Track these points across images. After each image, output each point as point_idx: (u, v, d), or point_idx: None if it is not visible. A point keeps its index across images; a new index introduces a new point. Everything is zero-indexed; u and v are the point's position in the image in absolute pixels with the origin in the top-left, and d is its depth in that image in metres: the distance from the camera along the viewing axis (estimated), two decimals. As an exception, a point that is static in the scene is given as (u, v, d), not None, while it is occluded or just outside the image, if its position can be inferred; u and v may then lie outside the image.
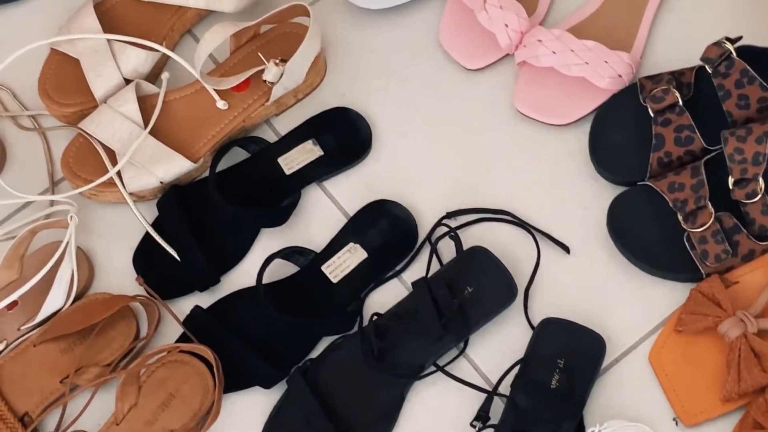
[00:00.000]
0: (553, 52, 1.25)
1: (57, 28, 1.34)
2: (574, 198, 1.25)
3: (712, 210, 1.17)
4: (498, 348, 1.19)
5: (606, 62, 1.25)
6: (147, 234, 1.25)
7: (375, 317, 1.19)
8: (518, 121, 1.28)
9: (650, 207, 1.20)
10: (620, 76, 1.25)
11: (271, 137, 1.30)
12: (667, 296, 1.20)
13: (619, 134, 1.24)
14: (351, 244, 1.24)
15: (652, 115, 1.22)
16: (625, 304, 1.20)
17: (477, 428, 1.14)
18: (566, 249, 1.23)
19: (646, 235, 1.19)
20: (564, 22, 1.30)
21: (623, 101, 1.25)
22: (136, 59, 1.29)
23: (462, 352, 1.19)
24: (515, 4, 1.28)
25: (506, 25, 1.28)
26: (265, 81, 1.26)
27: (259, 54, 1.28)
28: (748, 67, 1.20)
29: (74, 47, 1.30)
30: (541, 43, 1.26)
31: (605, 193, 1.24)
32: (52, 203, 1.28)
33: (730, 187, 1.17)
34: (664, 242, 1.19)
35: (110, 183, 1.25)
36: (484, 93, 1.30)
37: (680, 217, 1.18)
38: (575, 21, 1.30)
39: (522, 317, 1.20)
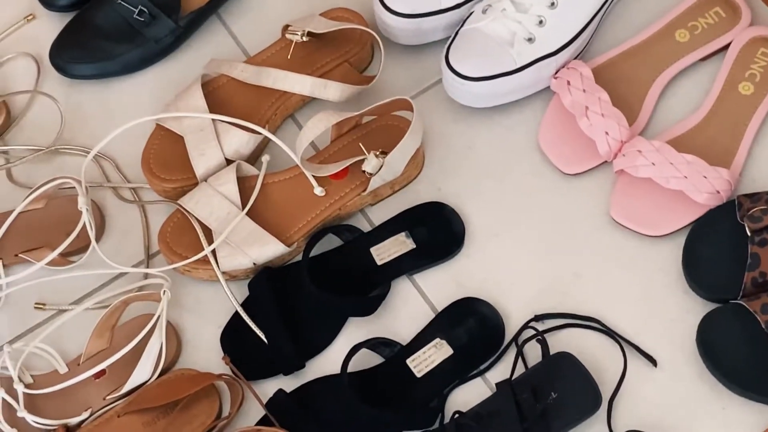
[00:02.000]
0: (652, 164, 1.25)
1: (164, 104, 1.37)
2: (665, 311, 1.24)
3: (805, 335, 1.16)
4: (578, 457, 1.19)
5: (705, 177, 1.25)
6: (236, 313, 1.27)
7: (456, 415, 1.19)
8: (613, 230, 1.28)
9: (742, 327, 1.19)
10: (718, 192, 1.25)
11: (365, 227, 1.31)
12: (754, 418, 1.18)
13: (714, 250, 1.23)
14: (437, 340, 1.24)
15: (748, 234, 1.22)
16: (710, 422, 1.19)
17: None
18: (653, 362, 1.22)
19: (736, 355, 1.18)
20: (664, 134, 1.31)
21: (720, 217, 1.25)
22: (238, 140, 1.32)
23: (541, 457, 1.18)
24: (617, 113, 1.29)
25: (607, 133, 1.28)
26: (363, 171, 1.28)
27: (360, 144, 1.30)
28: None
29: (179, 124, 1.33)
30: (640, 154, 1.26)
31: (696, 308, 1.23)
32: (146, 276, 1.30)
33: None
34: (754, 364, 1.17)
35: (204, 260, 1.27)
36: (579, 199, 1.30)
37: (772, 340, 1.17)
38: (676, 133, 1.30)
39: (604, 427, 1.19)
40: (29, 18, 1.46)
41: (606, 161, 1.31)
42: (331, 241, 1.30)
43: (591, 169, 1.31)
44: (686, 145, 1.29)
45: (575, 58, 1.35)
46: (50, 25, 1.45)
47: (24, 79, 1.43)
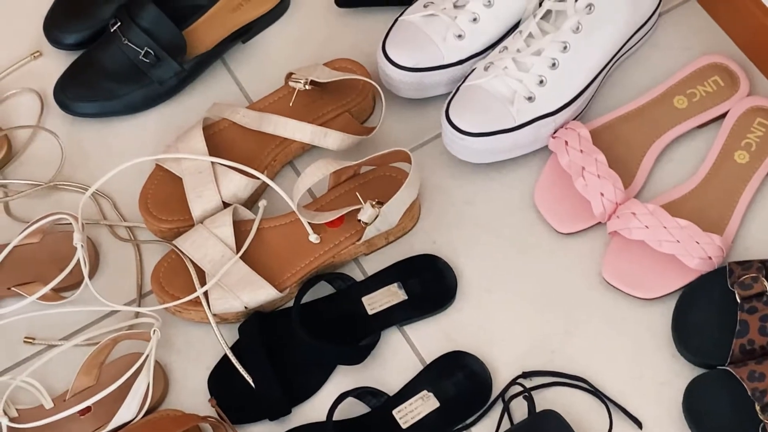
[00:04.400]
0: (646, 227, 1.26)
1: (164, 145, 1.38)
2: (652, 373, 1.25)
3: (791, 404, 1.16)
4: None
5: (697, 243, 1.25)
6: (225, 356, 1.27)
7: (440, 469, 1.19)
8: (604, 290, 1.29)
9: (728, 393, 1.19)
10: (710, 258, 1.26)
11: (358, 275, 1.32)
12: (737, 485, 1.18)
13: (704, 316, 1.24)
14: (424, 392, 1.24)
15: (738, 300, 1.23)
16: (693, 487, 1.19)
17: None
18: (638, 424, 1.22)
19: (721, 422, 1.18)
20: (659, 198, 1.32)
21: (711, 283, 1.25)
22: (237, 184, 1.33)
23: None
24: (613, 175, 1.30)
25: (602, 194, 1.29)
26: (359, 220, 1.29)
27: (357, 194, 1.31)
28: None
29: (179, 166, 1.34)
30: (634, 216, 1.27)
31: (684, 372, 1.24)
32: (137, 315, 1.30)
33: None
34: (739, 430, 1.17)
35: (196, 302, 1.27)
36: (572, 258, 1.31)
37: (758, 407, 1.17)
38: (670, 198, 1.31)
39: (587, 488, 1.19)
40: (36, 55, 1.48)
41: (600, 222, 1.31)
42: (323, 289, 1.31)
43: (585, 229, 1.32)
44: (680, 209, 1.30)
45: (574, 119, 1.36)
46: (56, 63, 1.46)
47: (27, 115, 1.44)
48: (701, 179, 1.32)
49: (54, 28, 1.46)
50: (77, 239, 1.27)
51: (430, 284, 1.30)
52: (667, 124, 1.35)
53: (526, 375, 1.24)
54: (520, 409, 1.22)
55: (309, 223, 1.29)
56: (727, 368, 1.20)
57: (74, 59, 1.44)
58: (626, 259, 1.28)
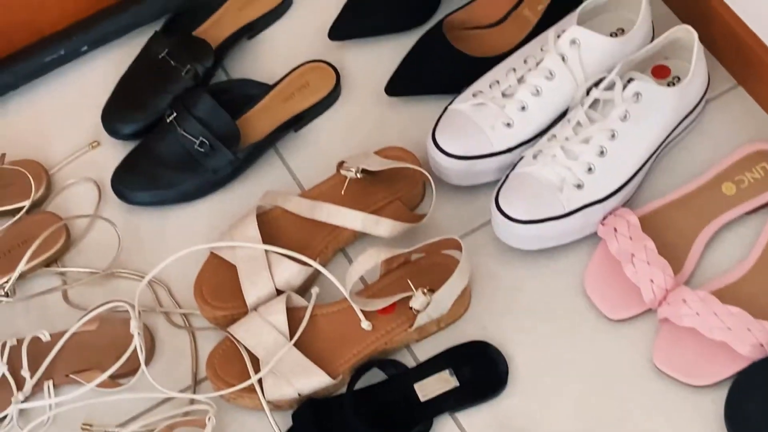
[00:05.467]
0: (697, 314, 1.27)
1: (219, 232, 1.41)
2: (705, 461, 1.25)
3: None
4: None
5: (749, 330, 1.26)
6: (279, 443, 1.28)
7: None
8: (655, 377, 1.29)
9: (782, 482, 1.19)
10: (762, 345, 1.26)
11: (410, 362, 1.33)
12: None
13: (757, 404, 1.23)
14: (477, 480, 1.25)
15: (791, 388, 1.23)
16: None
17: None
18: None
19: None
20: (709, 284, 1.32)
21: (763, 370, 1.25)
22: (290, 272, 1.35)
23: None
24: (662, 261, 1.31)
25: (652, 281, 1.30)
26: (411, 308, 1.30)
27: (409, 281, 1.33)
28: None
29: (233, 253, 1.36)
30: (685, 303, 1.28)
31: (737, 460, 1.24)
32: (192, 401, 1.32)
33: None
34: None
35: (250, 389, 1.29)
36: (623, 344, 1.32)
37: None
38: (720, 284, 1.32)
39: None
40: (94, 145, 1.51)
41: (650, 309, 1.32)
42: (375, 375, 1.32)
43: (635, 316, 1.33)
44: (731, 296, 1.30)
45: (623, 206, 1.37)
46: (114, 152, 1.49)
47: (85, 203, 1.47)
48: (752, 266, 1.33)
49: (112, 118, 1.49)
50: (134, 327, 1.30)
51: (481, 371, 1.31)
52: (716, 211, 1.36)
53: (578, 462, 1.25)
54: (572, 497, 1.23)
55: (361, 310, 1.31)
56: (781, 457, 1.20)
57: (131, 149, 1.47)
58: (677, 346, 1.29)
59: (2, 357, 1.32)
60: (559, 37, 1.38)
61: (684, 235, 1.35)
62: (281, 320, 1.31)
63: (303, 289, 1.37)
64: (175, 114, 1.44)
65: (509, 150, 1.39)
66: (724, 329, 1.26)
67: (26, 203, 1.45)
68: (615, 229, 1.33)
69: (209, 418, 1.25)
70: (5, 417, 1.31)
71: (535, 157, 1.36)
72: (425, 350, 1.34)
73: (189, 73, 1.49)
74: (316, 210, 1.38)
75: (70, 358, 1.34)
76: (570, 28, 1.38)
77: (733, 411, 1.24)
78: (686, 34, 1.40)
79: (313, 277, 1.38)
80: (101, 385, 1.30)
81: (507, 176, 1.36)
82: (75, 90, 1.56)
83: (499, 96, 1.39)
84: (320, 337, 1.32)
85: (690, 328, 1.28)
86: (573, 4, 1.45)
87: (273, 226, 1.39)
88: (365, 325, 1.31)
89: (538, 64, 1.39)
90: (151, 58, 1.51)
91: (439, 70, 1.48)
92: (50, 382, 1.32)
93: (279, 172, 1.48)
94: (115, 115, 1.50)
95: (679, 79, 1.42)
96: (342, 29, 1.54)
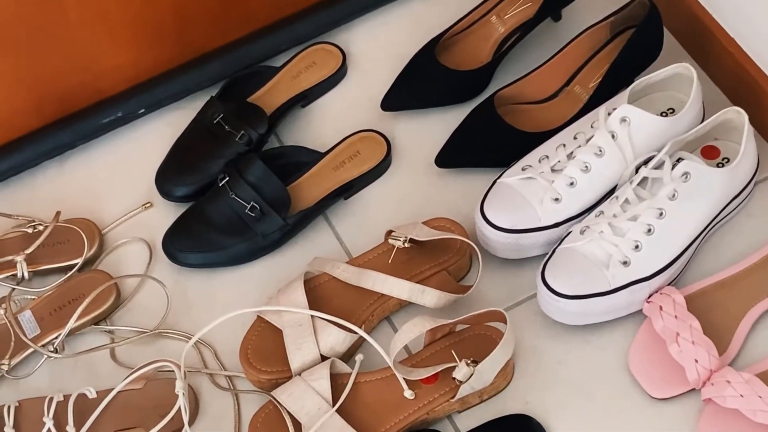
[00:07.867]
0: (741, 395, 1.26)
1: (266, 297, 1.42)
2: None
3: None
4: None
5: (793, 413, 1.25)
6: None
7: None
8: (697, 457, 1.29)
9: None
10: (806, 429, 1.25)
11: (451, 433, 1.34)
12: None
13: (799, 487, 1.23)
14: None
15: (835, 474, 1.22)
16: None
17: None
18: None
19: None
20: (754, 366, 1.32)
21: (807, 455, 1.25)
22: (335, 338, 1.36)
23: None
24: (707, 342, 1.31)
25: (696, 361, 1.30)
26: (454, 378, 1.30)
27: (453, 352, 1.33)
28: None
29: (279, 318, 1.38)
30: (729, 384, 1.27)
31: None
32: (234, 464, 1.33)
33: None
34: None
35: (292, 453, 1.30)
36: (666, 423, 1.31)
37: None
38: (765, 367, 1.31)
39: None
40: (147, 206, 1.54)
41: (694, 389, 1.32)
42: (416, 445, 1.33)
43: (679, 395, 1.32)
44: (776, 379, 1.30)
45: (669, 284, 1.37)
46: (166, 214, 1.52)
47: (136, 263, 1.49)
48: (797, 349, 1.33)
49: (165, 181, 1.52)
50: (179, 387, 1.31)
51: (523, 444, 1.31)
52: (763, 292, 1.36)
53: None
54: None
55: (404, 378, 1.31)
56: None
57: (183, 211, 1.49)
58: (720, 427, 1.28)
59: (48, 412, 1.33)
60: (609, 114, 1.40)
61: (730, 316, 1.35)
62: (325, 386, 1.32)
63: (347, 356, 1.38)
64: (227, 178, 1.47)
65: (557, 225, 1.40)
66: (768, 412, 1.25)
67: (78, 261, 1.48)
68: (660, 308, 1.33)
69: (250, 482, 1.26)
70: (49, 472, 1.33)
71: (582, 232, 1.36)
72: (466, 421, 1.34)
73: (242, 139, 1.52)
74: (363, 277, 1.39)
75: (115, 415, 1.35)
76: (621, 107, 1.39)
77: (775, 495, 1.24)
78: (737, 115, 1.41)
79: (358, 344, 1.39)
80: (145, 443, 1.31)
81: (554, 251, 1.37)
82: (130, 151, 1.59)
83: (548, 171, 1.41)
84: (363, 405, 1.33)
85: (734, 409, 1.28)
86: (624, 82, 1.47)
87: (320, 292, 1.41)
88: (408, 393, 1.32)
89: (588, 140, 1.40)
90: (205, 122, 1.54)
91: (489, 144, 1.50)
92: (94, 440, 1.34)
93: (327, 239, 1.49)
94: (169, 177, 1.52)
95: (728, 160, 1.43)
96: (394, 100, 1.56)
